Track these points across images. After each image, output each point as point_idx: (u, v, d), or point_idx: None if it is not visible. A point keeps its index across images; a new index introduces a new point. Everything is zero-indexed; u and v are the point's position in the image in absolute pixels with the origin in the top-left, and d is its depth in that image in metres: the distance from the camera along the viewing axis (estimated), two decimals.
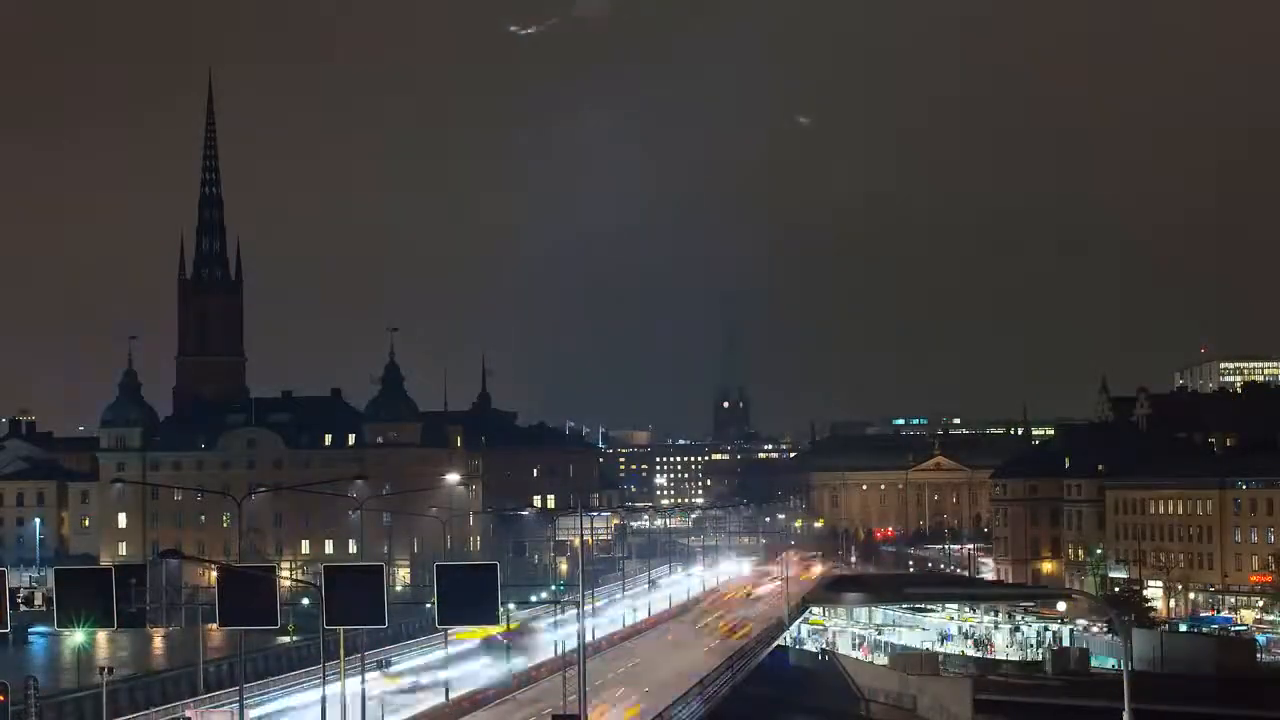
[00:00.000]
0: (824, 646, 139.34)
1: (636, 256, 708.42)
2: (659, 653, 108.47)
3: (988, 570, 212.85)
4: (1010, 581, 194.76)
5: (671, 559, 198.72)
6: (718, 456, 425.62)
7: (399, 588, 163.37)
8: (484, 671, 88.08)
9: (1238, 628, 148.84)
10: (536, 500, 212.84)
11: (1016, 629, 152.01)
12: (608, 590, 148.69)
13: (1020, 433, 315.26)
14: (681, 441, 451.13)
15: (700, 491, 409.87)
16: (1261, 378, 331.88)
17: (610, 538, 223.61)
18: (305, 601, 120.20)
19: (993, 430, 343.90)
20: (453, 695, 79.46)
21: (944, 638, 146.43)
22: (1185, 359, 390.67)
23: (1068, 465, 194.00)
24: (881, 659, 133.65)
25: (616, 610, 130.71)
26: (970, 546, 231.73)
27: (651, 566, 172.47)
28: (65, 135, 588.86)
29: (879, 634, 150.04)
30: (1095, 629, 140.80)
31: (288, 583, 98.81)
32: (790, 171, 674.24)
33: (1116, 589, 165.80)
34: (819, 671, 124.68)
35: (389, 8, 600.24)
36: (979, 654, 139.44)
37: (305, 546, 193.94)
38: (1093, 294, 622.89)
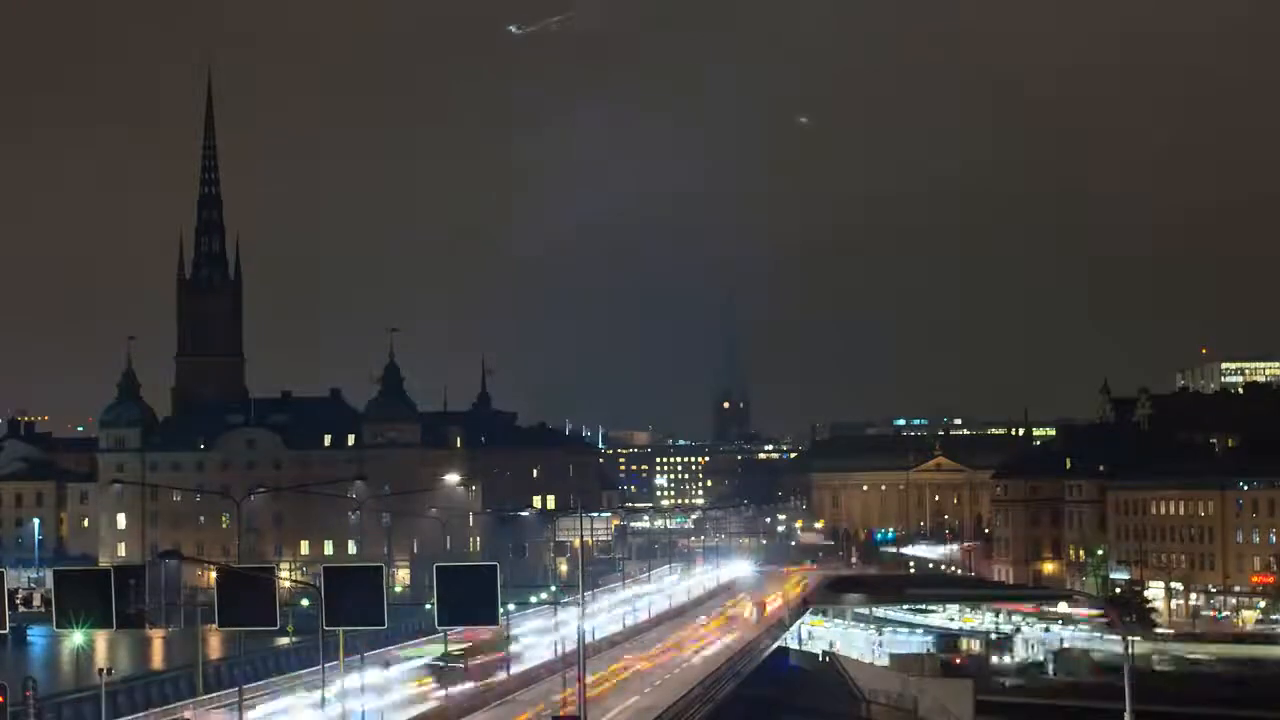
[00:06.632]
0: (825, 647, 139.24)
1: (636, 256, 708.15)
2: None
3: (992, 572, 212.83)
4: (1011, 582, 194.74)
5: (671, 560, 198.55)
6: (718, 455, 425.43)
7: (399, 589, 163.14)
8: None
9: None
10: (536, 501, 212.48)
11: (1017, 629, 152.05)
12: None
13: (1021, 433, 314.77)
14: (681, 442, 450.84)
15: (701, 492, 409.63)
16: (1263, 378, 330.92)
17: (610, 538, 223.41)
18: (305, 602, 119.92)
19: (994, 430, 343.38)
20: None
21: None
22: (1186, 359, 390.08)
23: (1069, 466, 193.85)
24: (883, 660, 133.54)
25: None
26: (970, 544, 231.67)
27: (651, 567, 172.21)
28: (65, 135, 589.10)
29: (879, 634, 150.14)
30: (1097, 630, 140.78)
31: (287, 583, 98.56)
32: (790, 171, 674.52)
33: (1118, 590, 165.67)
34: (819, 672, 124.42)
35: (389, 8, 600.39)
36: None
37: (304, 547, 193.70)
38: (1093, 294, 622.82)
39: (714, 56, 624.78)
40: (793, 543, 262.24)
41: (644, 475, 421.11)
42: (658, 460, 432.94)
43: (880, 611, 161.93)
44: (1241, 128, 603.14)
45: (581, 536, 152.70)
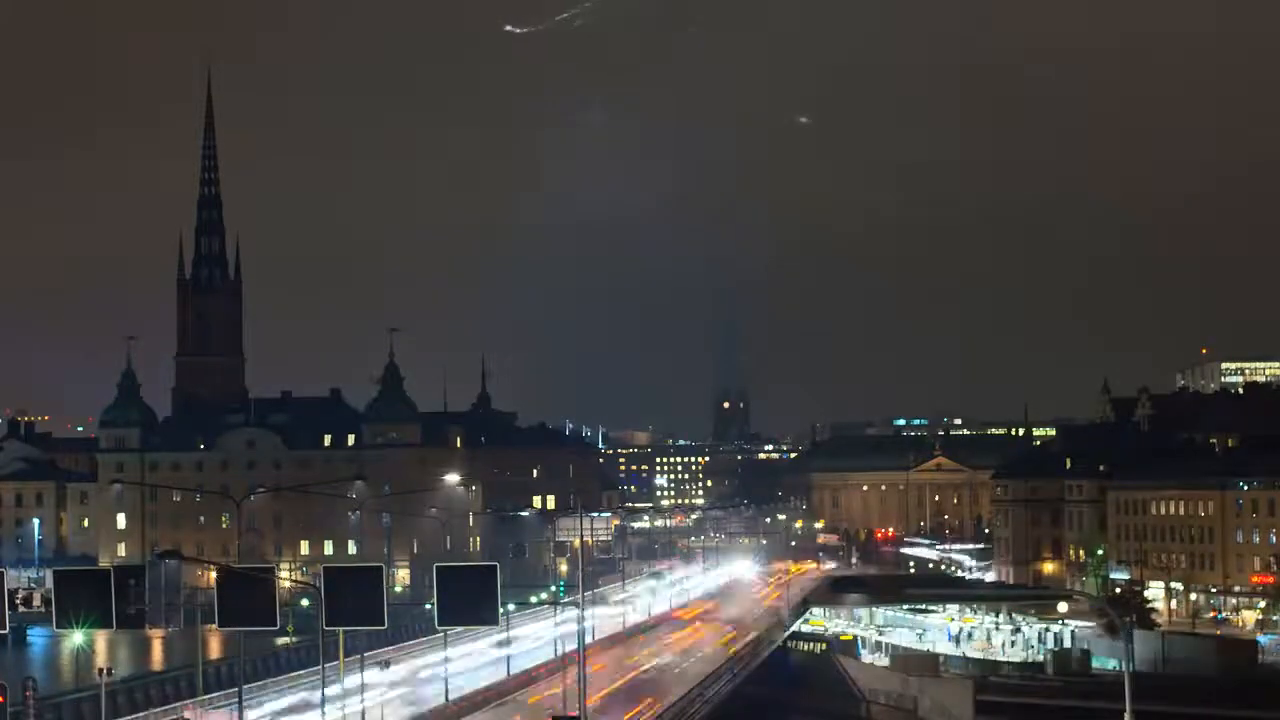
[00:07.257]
0: (824, 647, 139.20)
1: (636, 256, 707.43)
2: None
3: (983, 573, 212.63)
4: (1011, 582, 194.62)
5: (671, 560, 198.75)
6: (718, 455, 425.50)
7: (399, 589, 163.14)
8: None
9: None
10: (536, 501, 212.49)
11: (1017, 630, 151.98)
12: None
13: (1021, 433, 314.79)
14: (681, 442, 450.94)
15: (701, 492, 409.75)
16: (1263, 378, 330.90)
17: (610, 538, 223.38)
18: (305, 602, 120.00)
19: (993, 430, 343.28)
20: (453, 695, 79.29)
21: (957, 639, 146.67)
22: (1186, 359, 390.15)
23: (1069, 466, 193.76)
24: (883, 660, 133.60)
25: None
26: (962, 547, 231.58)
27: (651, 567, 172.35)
28: (65, 135, 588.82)
29: (879, 635, 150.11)
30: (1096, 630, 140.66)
31: (287, 584, 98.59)
32: (790, 171, 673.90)
33: (1118, 590, 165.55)
34: (819, 672, 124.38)
35: (389, 8, 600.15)
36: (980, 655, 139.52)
37: (304, 547, 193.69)
38: (1093, 294, 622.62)
39: (714, 56, 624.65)
40: (793, 542, 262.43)
41: (644, 475, 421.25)
42: (658, 460, 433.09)
43: (880, 611, 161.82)
44: (1241, 128, 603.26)
45: (581, 536, 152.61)
